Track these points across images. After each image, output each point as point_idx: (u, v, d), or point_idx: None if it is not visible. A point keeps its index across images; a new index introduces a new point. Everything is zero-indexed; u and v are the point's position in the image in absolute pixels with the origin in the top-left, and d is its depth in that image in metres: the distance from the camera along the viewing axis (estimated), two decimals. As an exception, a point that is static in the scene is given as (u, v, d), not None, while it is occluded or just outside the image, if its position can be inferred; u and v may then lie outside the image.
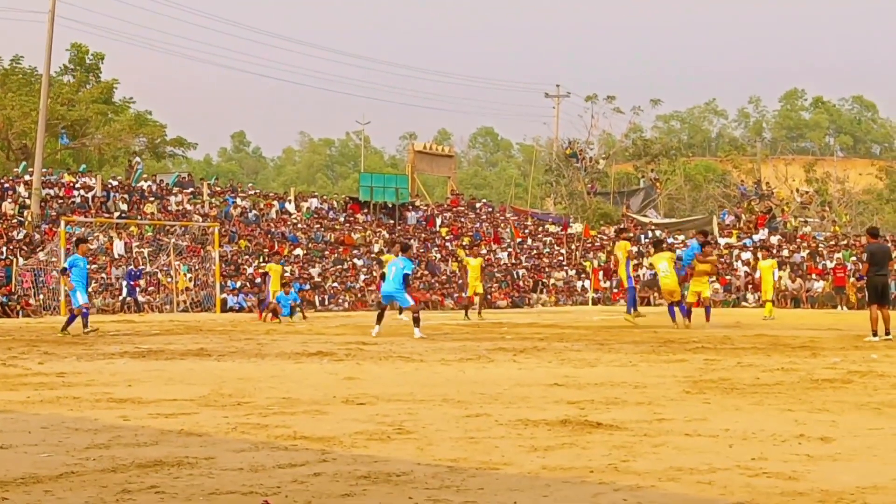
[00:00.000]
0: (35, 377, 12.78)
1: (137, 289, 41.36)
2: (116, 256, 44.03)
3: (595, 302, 55.06)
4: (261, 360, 15.61)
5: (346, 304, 47.38)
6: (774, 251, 57.40)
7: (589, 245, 63.65)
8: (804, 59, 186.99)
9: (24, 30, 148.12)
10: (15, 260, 39.37)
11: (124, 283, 41.15)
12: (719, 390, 10.96)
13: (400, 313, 29.94)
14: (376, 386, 11.61)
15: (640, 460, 6.77)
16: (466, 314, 33.38)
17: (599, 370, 13.46)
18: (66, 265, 25.06)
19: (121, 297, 40.81)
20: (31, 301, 37.80)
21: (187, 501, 5.57)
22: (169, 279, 43.30)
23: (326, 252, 52.54)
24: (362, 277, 50.29)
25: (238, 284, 43.86)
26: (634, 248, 59.03)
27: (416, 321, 22.12)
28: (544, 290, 56.04)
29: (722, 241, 62.18)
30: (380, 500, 5.61)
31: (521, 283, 56.41)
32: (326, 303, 46.54)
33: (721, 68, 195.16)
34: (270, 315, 31.51)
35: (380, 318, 22.90)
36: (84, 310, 23.71)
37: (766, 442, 7.53)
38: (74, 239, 26.26)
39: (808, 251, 56.18)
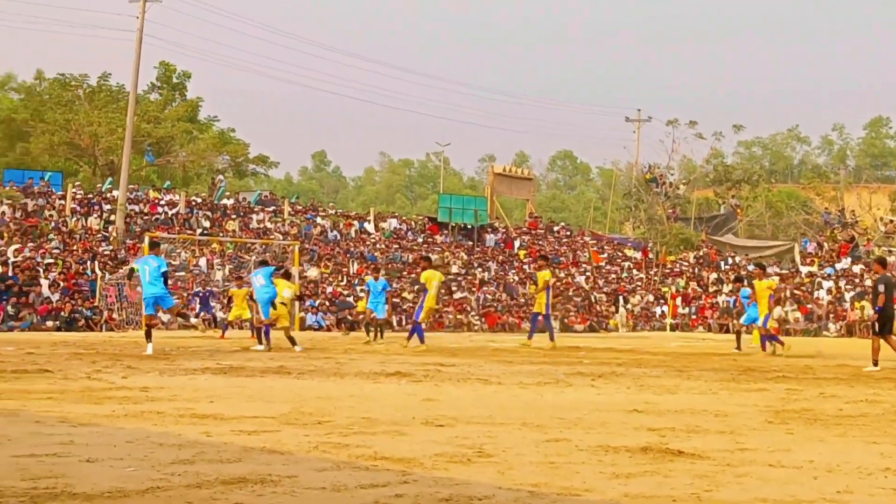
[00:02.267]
0: (119, 391, 12.97)
1: (212, 306, 41.75)
2: (198, 273, 44.54)
3: (673, 328, 54.67)
4: (340, 379, 15.70)
5: (424, 325, 47.40)
6: (857, 280, 56.66)
7: (668, 271, 63.24)
8: (889, 86, 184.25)
9: (113, 48, 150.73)
10: (100, 274, 39.99)
11: (195, 302, 41.57)
12: (802, 421, 10.83)
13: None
14: (455, 408, 11.62)
15: (723, 490, 6.71)
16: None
17: (679, 397, 13.37)
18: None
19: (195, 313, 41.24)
20: (115, 315, 38.35)
21: (271, 519, 5.62)
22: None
23: (405, 272, 52.70)
24: (441, 298, 50.35)
25: (317, 303, 44.13)
26: (713, 275, 58.61)
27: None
28: (623, 312, 55.67)
29: (804, 269, 61.47)
30: (462, 523, 5.62)
31: (598, 308, 56.15)
32: (405, 323, 46.62)
33: (804, 95, 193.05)
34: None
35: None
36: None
37: (852, 475, 7.43)
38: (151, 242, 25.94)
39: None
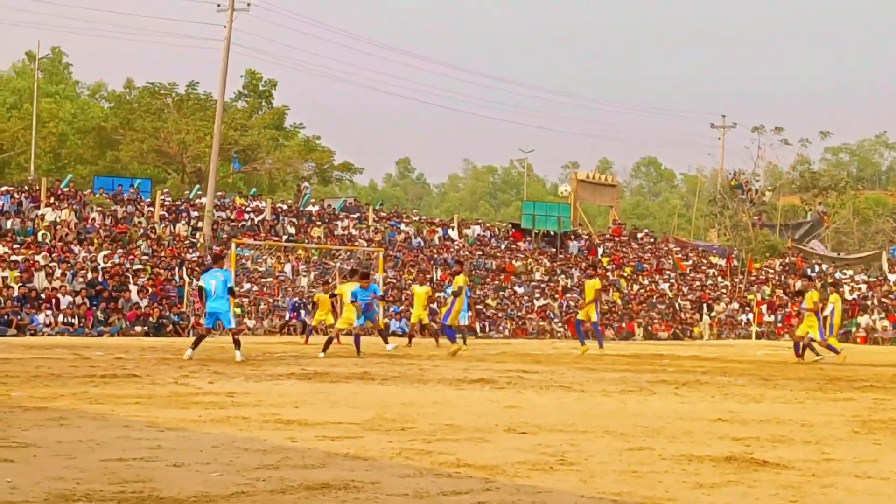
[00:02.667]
0: (206, 396, 13.15)
1: (303, 312, 42.06)
2: (283, 279, 44.95)
3: (759, 336, 54.09)
4: (423, 386, 15.76)
5: (507, 332, 47.45)
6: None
7: (753, 278, 62.60)
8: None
9: (200, 56, 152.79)
10: (188, 280, 40.53)
11: (288, 311, 41.88)
12: (889, 431, 10.68)
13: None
14: (538, 415, 11.62)
15: (808, 501, 6.65)
16: (410, 342, 31.83)
17: (764, 406, 13.24)
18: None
19: (285, 319, 41.58)
20: (202, 321, 38.81)
21: (355, 524, 5.68)
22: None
23: (488, 279, 52.72)
24: (524, 305, 50.30)
25: (400, 309, 44.31)
26: (800, 283, 57.84)
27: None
28: (707, 320, 55.16)
29: (892, 276, 60.50)
30: (543, 531, 5.64)
31: (682, 315, 55.74)
32: (487, 329, 46.67)
33: (892, 100, 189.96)
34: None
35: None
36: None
37: (941, 487, 7.33)
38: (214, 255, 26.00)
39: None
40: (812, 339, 26.70)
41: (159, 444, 8.67)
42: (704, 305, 55.95)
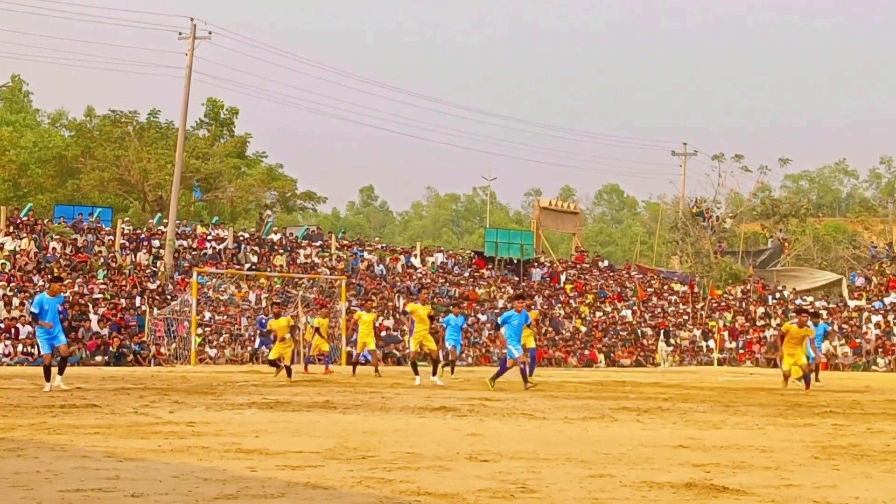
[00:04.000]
0: (166, 426, 13.07)
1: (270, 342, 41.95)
2: (245, 307, 44.79)
3: (721, 362, 54.33)
4: (385, 414, 15.73)
5: (470, 359, 47.43)
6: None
7: (715, 305, 62.90)
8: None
9: (162, 85, 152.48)
10: (148, 309, 40.32)
11: (256, 332, 41.73)
12: (849, 456, 10.73)
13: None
14: (499, 443, 11.61)
15: (766, 527, 6.68)
16: (354, 371, 31.86)
17: (725, 432, 13.28)
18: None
19: (251, 349, 41.40)
20: (163, 350, 38.64)
21: (314, 554, 5.65)
22: (297, 331, 43.82)
23: (451, 307, 52.70)
24: (486, 332, 50.31)
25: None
26: (761, 309, 58.20)
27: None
28: (663, 346, 55.18)
29: (852, 303, 60.95)
30: (503, 559, 5.63)
31: (644, 342, 55.92)
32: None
33: (852, 128, 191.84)
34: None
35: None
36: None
37: (898, 512, 7.37)
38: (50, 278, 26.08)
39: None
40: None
41: (118, 475, 8.60)
42: (661, 332, 56.05)
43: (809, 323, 30.44)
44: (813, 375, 30.33)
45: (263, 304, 45.71)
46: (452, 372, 30.47)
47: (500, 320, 24.73)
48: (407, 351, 28.81)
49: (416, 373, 25.83)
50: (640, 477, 8.89)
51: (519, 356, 23.52)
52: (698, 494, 8.01)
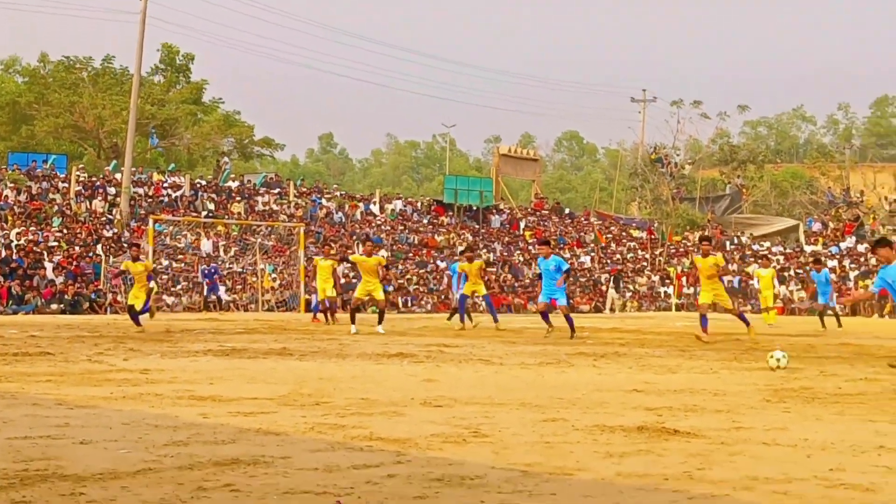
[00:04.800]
0: (119, 374, 12.98)
1: (220, 286, 41.81)
2: (204, 255, 44.58)
3: (679, 308, 54.65)
4: (342, 361, 15.70)
5: (429, 306, 47.48)
6: (861, 259, 56.62)
7: (673, 251, 63.21)
8: (895, 65, 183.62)
9: (116, 30, 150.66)
10: (104, 257, 40.05)
11: (204, 280, 41.64)
12: (800, 399, 10.81)
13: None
14: (455, 388, 11.62)
15: (715, 469, 6.70)
16: (328, 318, 30.81)
17: (680, 377, 13.35)
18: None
19: (204, 295, 41.32)
20: (119, 298, 38.41)
21: (261, 500, 5.62)
22: (254, 279, 43.74)
23: (410, 254, 52.70)
24: (445, 280, 50.36)
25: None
26: (718, 255, 58.37)
27: None
28: (613, 293, 55.20)
29: (808, 248, 61.43)
30: None
31: (603, 289, 56.15)
32: (409, 304, 46.67)
33: (809, 74, 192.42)
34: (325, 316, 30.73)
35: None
36: None
37: (846, 453, 7.41)
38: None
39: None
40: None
41: (68, 422, 8.53)
42: (612, 279, 56.00)
43: (814, 272, 31.21)
44: (835, 320, 31.76)
45: (221, 253, 45.54)
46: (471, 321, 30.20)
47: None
48: (350, 297, 28.21)
49: (353, 321, 25.33)
50: (592, 421, 8.92)
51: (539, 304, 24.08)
52: (649, 437, 8.04)
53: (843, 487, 6.14)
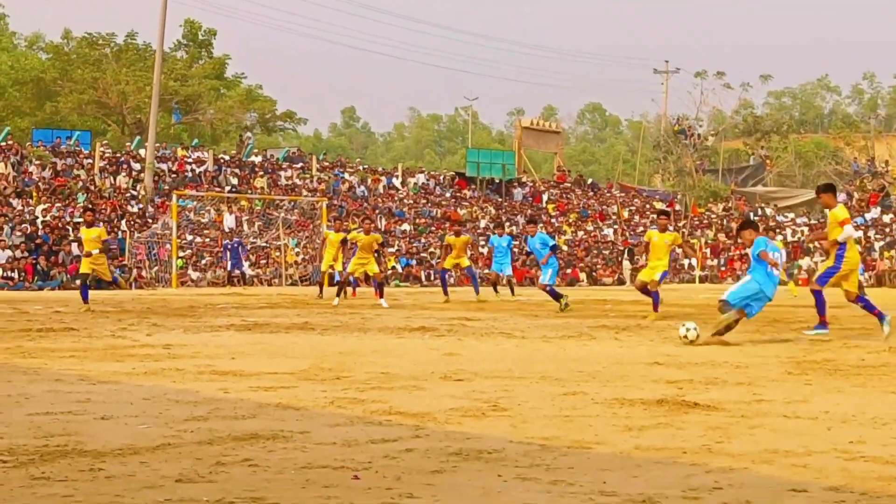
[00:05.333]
0: (142, 349, 13.05)
1: (244, 262, 41.91)
2: (227, 230, 44.70)
3: (702, 280, 54.50)
4: (363, 335, 15.74)
5: (452, 280, 47.45)
6: (887, 230, 56.28)
7: (697, 223, 63.02)
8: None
9: (139, 6, 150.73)
10: (129, 233, 40.20)
11: (227, 255, 41.77)
12: (822, 371, 10.77)
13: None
14: (475, 362, 11.62)
15: (734, 442, 6.68)
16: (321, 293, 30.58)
17: (701, 349, 13.31)
18: None
19: (228, 270, 41.45)
20: (144, 273, 38.58)
21: (279, 475, 5.64)
22: (277, 253, 43.83)
23: (433, 227, 52.69)
24: (469, 253, 50.27)
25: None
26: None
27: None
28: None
29: (834, 219, 61.08)
30: (469, 478, 5.62)
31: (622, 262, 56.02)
32: (432, 278, 46.67)
33: (834, 43, 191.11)
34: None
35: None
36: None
37: (866, 425, 7.38)
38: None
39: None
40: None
41: (89, 398, 8.58)
42: (626, 251, 55.69)
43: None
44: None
45: (245, 228, 45.66)
46: (513, 293, 30.26)
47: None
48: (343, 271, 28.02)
49: (339, 294, 25.75)
50: (612, 394, 8.91)
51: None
52: (669, 410, 8.02)
53: (863, 460, 6.11)
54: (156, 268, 39.32)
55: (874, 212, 61.15)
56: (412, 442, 6.65)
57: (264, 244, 44.60)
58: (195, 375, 10.26)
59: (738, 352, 13.04)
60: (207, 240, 43.71)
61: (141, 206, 44.53)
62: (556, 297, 23.03)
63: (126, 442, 6.54)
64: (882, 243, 55.34)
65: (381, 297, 25.39)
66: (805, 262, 55.18)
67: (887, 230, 57.46)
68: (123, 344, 13.77)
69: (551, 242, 24.22)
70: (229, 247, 42.10)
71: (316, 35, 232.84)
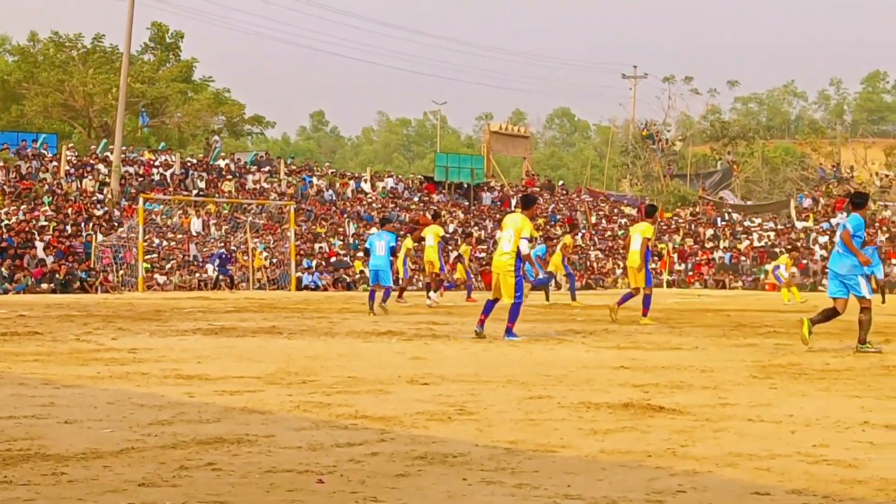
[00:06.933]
0: (107, 353, 12.96)
1: (229, 269, 41.85)
2: (194, 234, 44.51)
3: (670, 284, 54.69)
4: (330, 339, 15.70)
5: (420, 284, 47.44)
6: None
7: (664, 228, 63.24)
8: (887, 40, 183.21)
9: (106, 8, 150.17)
10: (95, 236, 39.96)
11: (214, 262, 41.63)
12: (787, 375, 10.83)
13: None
14: (442, 366, 11.62)
15: (699, 445, 6.71)
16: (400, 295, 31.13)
17: (668, 353, 13.36)
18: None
19: (213, 276, 41.28)
20: (110, 277, 38.35)
21: (243, 479, 5.61)
22: (245, 257, 43.67)
23: (401, 232, 52.62)
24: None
25: (313, 263, 44.12)
26: (710, 231, 58.52)
27: None
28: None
29: (799, 224, 61.49)
30: (434, 481, 5.61)
31: (594, 266, 56.15)
32: (400, 282, 46.58)
33: (801, 49, 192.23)
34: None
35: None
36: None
37: (830, 429, 7.43)
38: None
39: (887, 235, 55.40)
40: None
41: (53, 402, 8.52)
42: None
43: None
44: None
45: (212, 232, 45.48)
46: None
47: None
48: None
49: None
50: (578, 398, 8.93)
51: None
52: (634, 414, 8.05)
53: (825, 463, 6.15)
54: (122, 271, 39.08)
55: (840, 217, 61.44)
56: (378, 446, 6.64)
57: (233, 248, 44.34)
58: (160, 379, 10.21)
59: (704, 355, 13.10)
60: (174, 243, 43.50)
61: (107, 209, 44.25)
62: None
63: (89, 446, 6.49)
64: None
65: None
66: (772, 266, 55.42)
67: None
68: (88, 348, 13.68)
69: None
70: (217, 255, 41.94)
71: (285, 39, 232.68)
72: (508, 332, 15.75)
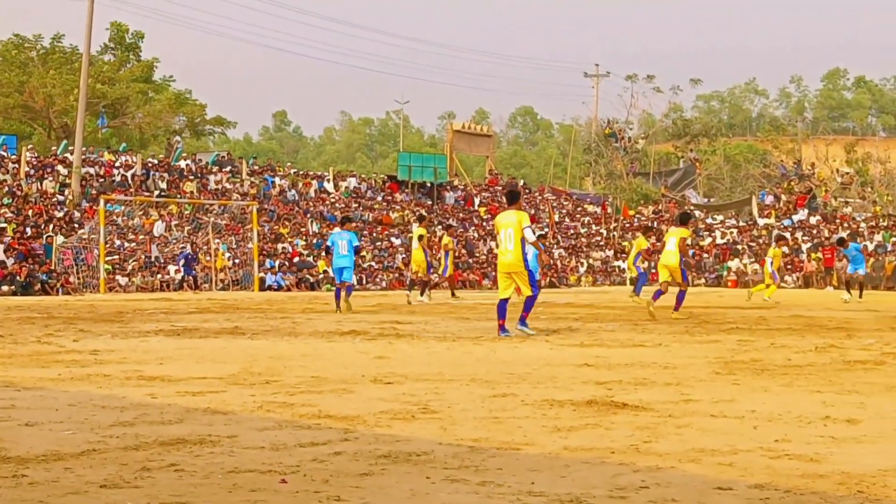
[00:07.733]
0: (68, 354, 12.87)
1: (194, 270, 41.65)
2: (157, 235, 44.29)
3: (633, 282, 54.86)
4: (294, 339, 15.65)
5: (384, 283, 47.45)
6: (814, 232, 57.08)
7: (627, 225, 63.48)
8: (846, 38, 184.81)
9: (65, 8, 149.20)
10: (55, 238, 39.69)
11: (181, 264, 41.43)
12: (750, 371, 10.89)
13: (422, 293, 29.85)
14: (406, 365, 11.61)
15: (662, 441, 6.73)
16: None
17: (631, 351, 13.41)
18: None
19: (179, 277, 41.08)
20: (72, 279, 38.10)
21: (206, 479, 5.58)
22: (207, 258, 43.50)
23: (365, 231, 52.58)
24: (400, 257, 50.31)
25: (276, 263, 44.01)
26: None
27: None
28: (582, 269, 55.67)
29: (761, 221, 61.85)
30: (397, 480, 5.60)
31: (558, 264, 56.30)
32: (364, 282, 46.60)
33: (762, 47, 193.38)
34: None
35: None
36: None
37: (792, 423, 7.47)
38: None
39: (848, 232, 55.79)
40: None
41: (14, 404, 8.44)
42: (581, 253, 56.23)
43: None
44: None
45: (174, 232, 45.26)
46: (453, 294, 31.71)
47: None
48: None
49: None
50: (542, 395, 8.94)
51: None
52: (598, 411, 8.06)
53: (787, 458, 6.18)
54: (83, 273, 38.84)
55: (801, 214, 61.92)
56: (341, 445, 6.62)
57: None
58: (122, 381, 10.14)
59: (667, 352, 13.15)
60: (135, 244, 43.27)
61: (68, 210, 43.94)
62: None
63: (50, 448, 6.44)
64: (809, 245, 56.06)
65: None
66: (734, 263, 55.80)
67: (814, 232, 58.20)
68: (49, 350, 13.58)
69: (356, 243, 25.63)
70: (184, 255, 41.74)
71: (246, 38, 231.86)
72: (522, 321, 16.25)
